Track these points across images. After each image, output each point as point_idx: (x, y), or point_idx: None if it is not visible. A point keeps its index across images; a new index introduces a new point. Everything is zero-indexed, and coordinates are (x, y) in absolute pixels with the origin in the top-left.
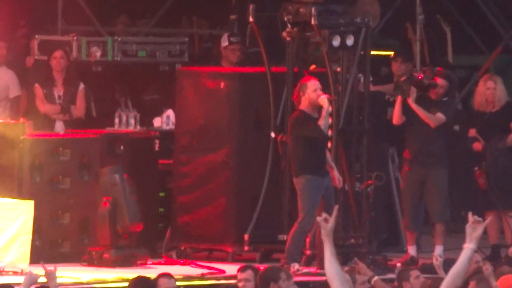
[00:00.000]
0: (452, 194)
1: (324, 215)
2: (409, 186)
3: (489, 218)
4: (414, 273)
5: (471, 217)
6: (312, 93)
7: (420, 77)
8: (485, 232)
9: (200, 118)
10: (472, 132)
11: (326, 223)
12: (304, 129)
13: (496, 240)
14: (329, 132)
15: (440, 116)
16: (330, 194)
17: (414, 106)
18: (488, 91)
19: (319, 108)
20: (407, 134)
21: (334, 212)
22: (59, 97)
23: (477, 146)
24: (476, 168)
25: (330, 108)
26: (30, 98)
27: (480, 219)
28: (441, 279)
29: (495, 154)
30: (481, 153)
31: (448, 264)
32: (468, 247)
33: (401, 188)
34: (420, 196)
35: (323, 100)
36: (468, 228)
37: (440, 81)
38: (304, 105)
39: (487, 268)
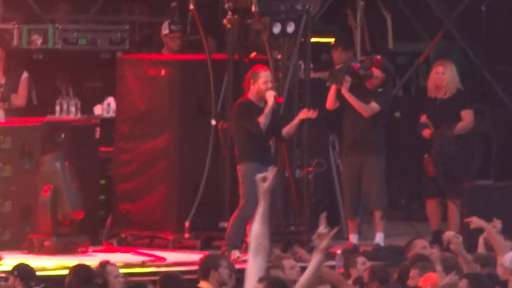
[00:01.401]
0: (393, 181)
1: (262, 174)
2: (347, 174)
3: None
4: (361, 259)
5: (320, 228)
6: (263, 84)
7: (355, 67)
8: (427, 219)
9: (141, 105)
10: (423, 118)
11: (264, 182)
12: (244, 119)
13: (437, 226)
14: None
15: (374, 105)
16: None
17: (347, 95)
18: (437, 76)
19: (266, 99)
20: (344, 122)
21: (273, 172)
22: (0, 85)
23: (427, 132)
24: (426, 155)
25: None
26: None
27: (325, 230)
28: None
29: (442, 142)
30: (430, 140)
31: (389, 251)
32: (316, 258)
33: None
34: (358, 184)
35: (270, 95)
36: (315, 240)
37: (376, 72)
38: (252, 93)
39: (433, 252)
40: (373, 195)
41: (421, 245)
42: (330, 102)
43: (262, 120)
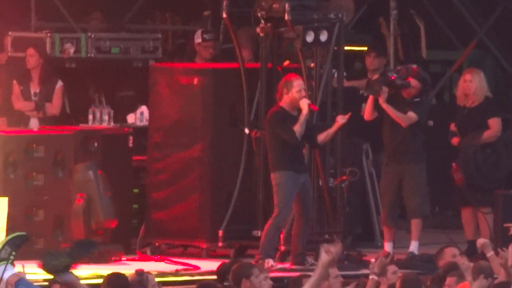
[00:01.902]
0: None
1: (327, 246)
2: (387, 182)
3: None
4: (392, 268)
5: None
6: (297, 93)
7: (392, 78)
8: (461, 227)
9: (174, 114)
10: (452, 126)
11: (327, 253)
12: (279, 128)
13: (472, 236)
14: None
15: (412, 115)
16: (307, 191)
17: (385, 105)
18: (464, 84)
19: (299, 108)
20: (383, 132)
21: (338, 247)
22: (35, 94)
23: (455, 141)
24: (453, 164)
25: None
26: (5, 95)
27: (329, 247)
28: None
29: (468, 151)
30: (458, 149)
31: (422, 259)
32: (317, 272)
33: (380, 184)
34: (398, 192)
35: (304, 103)
36: (322, 254)
37: (413, 81)
38: (285, 102)
39: (464, 262)
40: (414, 204)
41: (451, 253)
42: (368, 113)
43: (297, 128)
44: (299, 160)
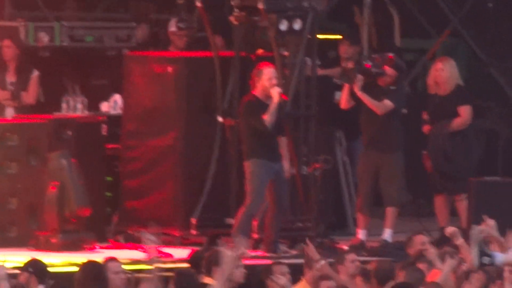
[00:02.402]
0: None
1: None
2: (365, 169)
3: None
4: (350, 256)
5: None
6: (267, 81)
7: (368, 66)
8: (435, 215)
9: (147, 103)
10: (425, 115)
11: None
12: (251, 117)
13: (445, 223)
14: None
15: (387, 103)
16: (281, 179)
17: (360, 93)
18: (436, 72)
19: (271, 96)
20: (360, 120)
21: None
22: (11, 83)
23: (426, 129)
24: (424, 152)
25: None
26: None
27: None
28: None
29: (437, 139)
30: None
31: (395, 247)
32: None
33: (357, 171)
34: (375, 180)
35: (275, 92)
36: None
37: (389, 70)
38: (258, 90)
39: (430, 250)
40: (391, 192)
41: (420, 241)
42: (344, 101)
43: (267, 117)
44: (273, 148)
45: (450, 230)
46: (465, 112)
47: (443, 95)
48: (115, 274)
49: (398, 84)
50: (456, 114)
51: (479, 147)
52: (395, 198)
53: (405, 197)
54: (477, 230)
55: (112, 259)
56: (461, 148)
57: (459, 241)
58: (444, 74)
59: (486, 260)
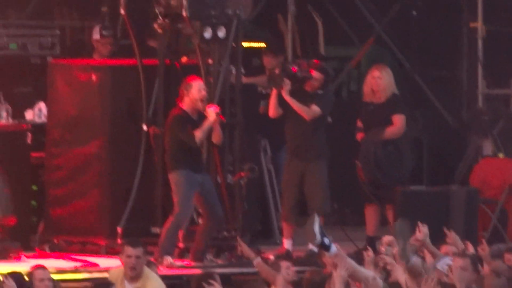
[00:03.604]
0: None
1: None
2: (289, 178)
3: None
4: (285, 264)
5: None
6: (196, 93)
7: (294, 70)
8: (360, 224)
9: (72, 111)
10: (359, 122)
11: None
12: (180, 131)
13: (372, 232)
14: None
15: (315, 108)
16: (208, 190)
17: (288, 98)
18: (373, 80)
19: (199, 109)
20: (285, 128)
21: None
22: None
23: (359, 136)
24: (356, 161)
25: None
26: None
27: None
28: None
29: (369, 147)
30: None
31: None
32: None
33: (282, 180)
34: (300, 188)
35: (211, 112)
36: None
37: (315, 73)
38: (186, 104)
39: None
40: (316, 201)
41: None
42: (273, 108)
43: (199, 134)
44: (196, 159)
45: (386, 239)
46: (399, 121)
47: (378, 102)
48: (40, 282)
49: (325, 88)
50: (389, 123)
51: (412, 157)
52: (320, 208)
53: (328, 207)
54: (404, 225)
55: (40, 266)
56: (394, 157)
57: (395, 249)
58: (381, 82)
59: (326, 241)
